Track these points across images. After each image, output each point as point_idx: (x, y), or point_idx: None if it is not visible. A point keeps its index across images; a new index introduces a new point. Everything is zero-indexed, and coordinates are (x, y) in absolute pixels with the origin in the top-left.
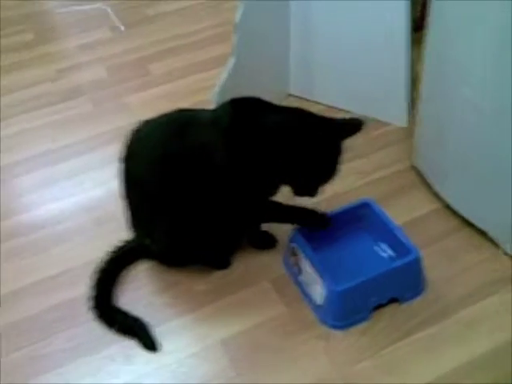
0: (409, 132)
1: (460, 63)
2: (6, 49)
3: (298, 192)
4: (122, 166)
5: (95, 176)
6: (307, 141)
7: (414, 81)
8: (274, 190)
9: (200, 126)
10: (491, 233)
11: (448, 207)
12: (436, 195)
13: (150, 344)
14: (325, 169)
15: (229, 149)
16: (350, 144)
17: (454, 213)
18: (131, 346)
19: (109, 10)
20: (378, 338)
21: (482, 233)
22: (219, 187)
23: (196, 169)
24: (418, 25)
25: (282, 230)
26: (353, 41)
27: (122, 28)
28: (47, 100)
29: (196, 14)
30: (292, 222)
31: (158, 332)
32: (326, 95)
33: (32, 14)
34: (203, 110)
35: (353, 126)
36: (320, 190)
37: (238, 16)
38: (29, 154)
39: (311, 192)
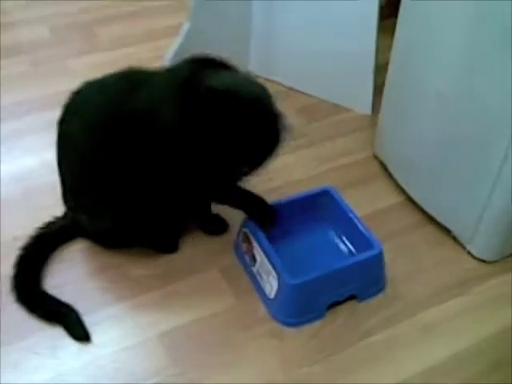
0: (372, 120)
1: (428, 49)
2: None
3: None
4: (58, 129)
5: (28, 143)
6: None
7: (379, 69)
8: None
9: (151, 84)
10: (455, 231)
11: (411, 200)
12: (399, 187)
13: (79, 334)
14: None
15: (181, 108)
16: (309, 128)
17: (418, 207)
18: (57, 335)
19: None
20: (333, 339)
21: (446, 230)
22: (168, 157)
23: (143, 133)
24: (385, 13)
25: (235, 213)
26: (320, 21)
27: None
28: None
29: None
30: (239, 208)
31: (89, 321)
32: (288, 76)
33: None
34: (157, 70)
35: None
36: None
37: None
38: None
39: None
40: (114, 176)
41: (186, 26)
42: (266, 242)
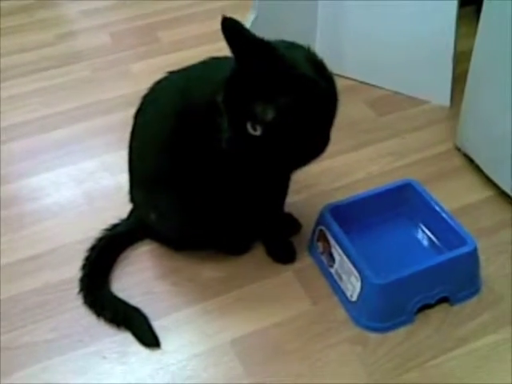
0: (451, 112)
1: None
2: (4, 12)
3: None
4: (134, 120)
5: (88, 146)
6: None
7: (458, 57)
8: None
9: (225, 70)
10: None
11: (504, 194)
12: (488, 180)
13: (149, 339)
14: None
15: None
16: (382, 122)
17: None
18: (126, 341)
19: None
20: (424, 345)
21: None
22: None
23: (211, 123)
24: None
25: (308, 213)
26: (393, 8)
27: None
28: (45, 64)
29: None
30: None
31: (158, 326)
32: (358, 69)
33: None
34: None
35: None
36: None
37: None
38: (21, 119)
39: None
40: (186, 172)
41: (250, 18)
42: (345, 239)
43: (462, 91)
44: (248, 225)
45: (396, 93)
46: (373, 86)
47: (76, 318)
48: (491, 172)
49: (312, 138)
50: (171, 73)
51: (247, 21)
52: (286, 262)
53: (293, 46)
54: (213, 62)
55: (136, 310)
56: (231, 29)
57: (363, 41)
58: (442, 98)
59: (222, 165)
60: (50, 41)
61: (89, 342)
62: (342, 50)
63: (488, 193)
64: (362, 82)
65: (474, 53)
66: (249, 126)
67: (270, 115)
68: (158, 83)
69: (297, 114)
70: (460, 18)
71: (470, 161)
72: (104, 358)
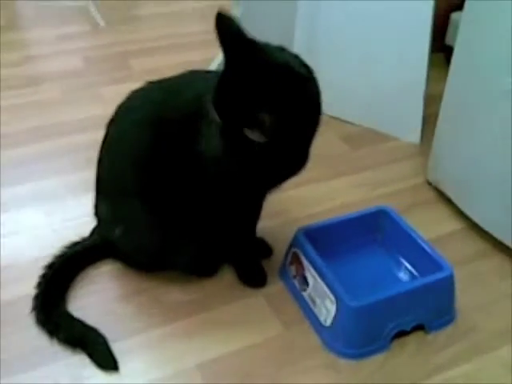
0: (421, 148)
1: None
2: None
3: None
4: (106, 129)
5: (52, 165)
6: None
7: (428, 100)
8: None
9: (206, 83)
10: None
11: (476, 226)
12: (460, 213)
13: (106, 362)
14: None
15: None
16: (355, 156)
17: (485, 233)
18: (81, 364)
19: (91, 6)
20: (400, 373)
21: None
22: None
23: (190, 135)
24: (434, 46)
25: (279, 238)
26: (367, 48)
27: (102, 23)
28: (12, 83)
29: (184, 18)
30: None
31: (117, 349)
32: (331, 105)
33: (7, 2)
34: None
35: None
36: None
37: None
38: None
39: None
40: (159, 181)
41: None
42: (320, 261)
43: (431, 130)
44: (218, 246)
45: (368, 129)
46: (344, 121)
47: (27, 338)
48: (463, 204)
49: (305, 142)
50: (150, 83)
51: None
52: (257, 286)
53: (281, 47)
54: (192, 75)
55: (94, 331)
56: (225, 26)
57: (337, 80)
58: (413, 135)
59: (199, 179)
60: (19, 61)
61: (39, 364)
62: None
63: (460, 224)
64: (334, 117)
65: (446, 93)
66: (247, 131)
67: (269, 118)
68: (135, 92)
69: (294, 114)
70: (431, 64)
71: (441, 194)
72: (55, 381)
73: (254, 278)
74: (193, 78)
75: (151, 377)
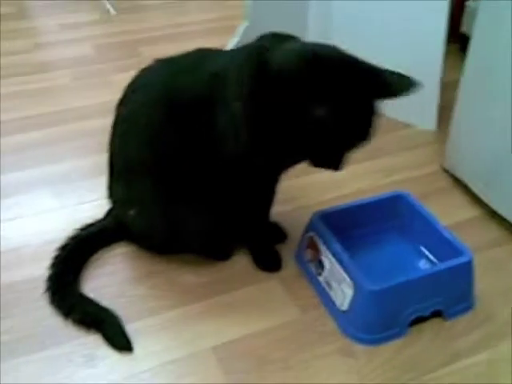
0: (437, 135)
1: None
2: None
3: (320, 161)
4: (116, 109)
5: (63, 149)
6: (349, 87)
7: (443, 87)
8: (294, 159)
9: (219, 61)
10: None
11: (494, 213)
12: (477, 200)
13: (120, 343)
14: (357, 128)
15: (256, 80)
16: (375, 142)
17: (502, 220)
18: (95, 344)
19: None
20: (418, 359)
21: None
22: (232, 142)
23: (204, 115)
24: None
25: (295, 222)
26: (383, 34)
27: (113, 11)
28: (22, 70)
29: (192, 7)
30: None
31: (132, 330)
32: None
33: None
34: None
35: (401, 83)
36: (346, 160)
37: None
38: None
39: (336, 161)
40: (170, 164)
41: (243, 26)
42: (337, 244)
43: (447, 118)
44: (233, 229)
45: (384, 116)
46: None
47: (41, 318)
48: (480, 191)
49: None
50: (159, 61)
51: (239, 29)
52: (272, 270)
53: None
54: (200, 53)
55: (107, 311)
56: None
57: None
58: (429, 123)
59: (215, 160)
60: (29, 48)
61: (52, 344)
62: None
63: (477, 211)
64: None
65: (463, 79)
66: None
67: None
68: (144, 71)
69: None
70: (446, 53)
71: (457, 181)
72: (70, 360)
73: (268, 261)
74: (202, 56)
75: (165, 359)
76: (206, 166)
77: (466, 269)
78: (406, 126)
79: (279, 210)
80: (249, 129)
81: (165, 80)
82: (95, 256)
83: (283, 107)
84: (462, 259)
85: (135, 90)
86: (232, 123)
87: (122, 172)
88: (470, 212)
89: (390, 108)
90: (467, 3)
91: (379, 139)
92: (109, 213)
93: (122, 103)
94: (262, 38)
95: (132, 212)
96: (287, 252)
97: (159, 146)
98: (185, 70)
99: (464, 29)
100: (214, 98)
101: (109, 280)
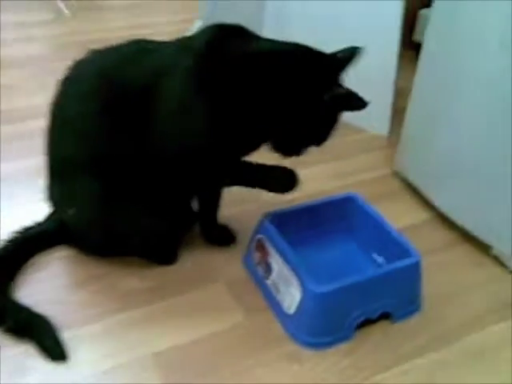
0: (389, 140)
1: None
2: None
3: (281, 148)
4: (52, 105)
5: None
6: (306, 74)
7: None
8: (251, 145)
9: (163, 52)
10: (496, 248)
11: (442, 217)
12: (427, 203)
13: (54, 351)
14: (321, 115)
15: (202, 78)
16: (328, 146)
17: (451, 223)
18: (27, 353)
19: None
20: (365, 362)
21: (485, 247)
22: (177, 134)
23: (149, 106)
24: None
25: (243, 227)
26: (337, 39)
27: (66, 12)
28: None
29: (148, 9)
30: (253, 184)
31: (69, 337)
32: None
33: None
34: (170, 41)
35: (350, 54)
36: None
37: None
38: None
39: (298, 148)
40: (107, 154)
41: (197, 24)
42: (285, 246)
43: (400, 123)
44: (177, 229)
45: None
46: None
47: None
48: (430, 195)
49: None
50: (94, 51)
51: (193, 28)
52: (225, 244)
53: None
54: (140, 44)
55: (41, 318)
56: None
57: None
58: (382, 127)
59: (156, 155)
60: None
61: None
62: None
63: (427, 214)
64: None
65: (415, 84)
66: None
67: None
68: (79, 63)
69: None
70: (401, 59)
71: (408, 185)
72: None
73: (221, 236)
74: (141, 47)
75: (103, 367)
76: (145, 161)
77: (414, 270)
78: (360, 130)
79: (228, 213)
80: (209, 118)
81: (99, 72)
82: (32, 260)
83: (262, 92)
84: (410, 260)
85: (69, 83)
86: (185, 116)
87: (59, 171)
88: (420, 215)
89: (344, 113)
90: (420, 12)
91: (332, 143)
92: (49, 216)
93: (55, 100)
94: (209, 30)
95: (71, 211)
96: (235, 255)
97: (94, 141)
98: (123, 60)
99: (417, 37)
100: (158, 91)
101: (46, 285)
